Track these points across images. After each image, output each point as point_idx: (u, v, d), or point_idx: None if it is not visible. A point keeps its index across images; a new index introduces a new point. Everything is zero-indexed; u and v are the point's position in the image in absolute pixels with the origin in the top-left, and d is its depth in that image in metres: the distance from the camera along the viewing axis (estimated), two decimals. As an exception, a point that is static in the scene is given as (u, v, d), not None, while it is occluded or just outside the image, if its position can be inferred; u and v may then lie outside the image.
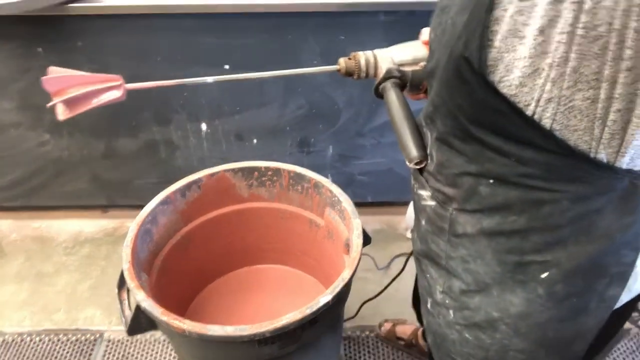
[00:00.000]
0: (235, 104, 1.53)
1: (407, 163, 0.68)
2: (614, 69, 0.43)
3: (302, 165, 1.23)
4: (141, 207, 1.11)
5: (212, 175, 1.21)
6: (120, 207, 1.86)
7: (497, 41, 0.49)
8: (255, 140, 1.62)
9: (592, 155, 0.48)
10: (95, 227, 1.83)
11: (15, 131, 1.57)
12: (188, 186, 1.19)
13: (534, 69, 0.47)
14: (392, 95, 0.74)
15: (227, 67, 1.43)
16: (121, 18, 1.33)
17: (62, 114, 0.73)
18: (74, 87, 0.73)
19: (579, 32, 0.43)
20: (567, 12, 0.43)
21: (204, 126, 1.57)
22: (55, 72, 0.73)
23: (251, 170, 1.24)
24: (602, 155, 0.48)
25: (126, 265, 0.96)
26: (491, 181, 0.56)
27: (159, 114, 1.54)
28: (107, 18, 1.33)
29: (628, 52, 0.42)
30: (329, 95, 1.52)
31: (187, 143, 1.62)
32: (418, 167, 0.67)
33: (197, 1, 1.30)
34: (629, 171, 0.50)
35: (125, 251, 1.00)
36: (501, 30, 0.48)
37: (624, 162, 0.48)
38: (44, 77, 0.71)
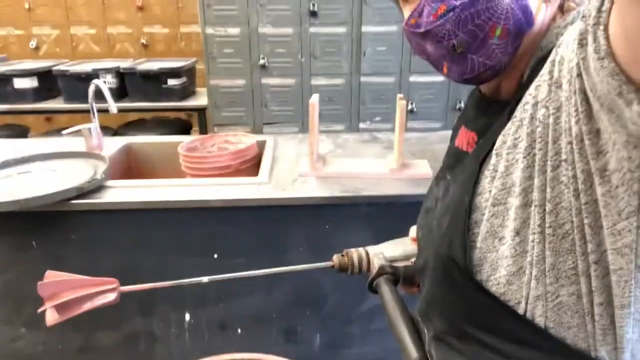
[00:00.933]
0: (220, 292, 1.52)
1: None
2: (585, 263, 0.45)
3: (288, 357, 1.17)
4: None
5: (192, 370, 1.14)
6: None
7: (479, 242, 0.52)
8: (239, 330, 1.57)
9: (592, 354, 0.47)
10: None
11: (-10, 326, 1.51)
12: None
13: (517, 268, 0.49)
14: (387, 291, 0.75)
15: (216, 256, 1.46)
16: (115, 213, 1.40)
17: (52, 319, 0.73)
18: (68, 292, 0.74)
19: (548, 231, 0.46)
20: (534, 214, 0.46)
21: (187, 316, 1.53)
22: (51, 277, 0.75)
23: (234, 363, 1.18)
24: (603, 354, 0.47)
25: None
26: None
27: (143, 304, 1.51)
28: (102, 213, 1.40)
29: (590, 246, 0.44)
30: (315, 281, 1.53)
31: (169, 334, 1.55)
32: None
33: (188, 197, 1.40)
34: None
35: None
36: (481, 231, 0.52)
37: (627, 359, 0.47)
38: (40, 282, 0.72)
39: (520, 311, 0.49)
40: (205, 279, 0.84)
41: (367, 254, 0.83)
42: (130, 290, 0.79)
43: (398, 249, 0.83)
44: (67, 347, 1.54)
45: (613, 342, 0.46)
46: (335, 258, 0.85)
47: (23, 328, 1.51)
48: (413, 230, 0.85)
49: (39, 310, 0.73)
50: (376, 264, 0.81)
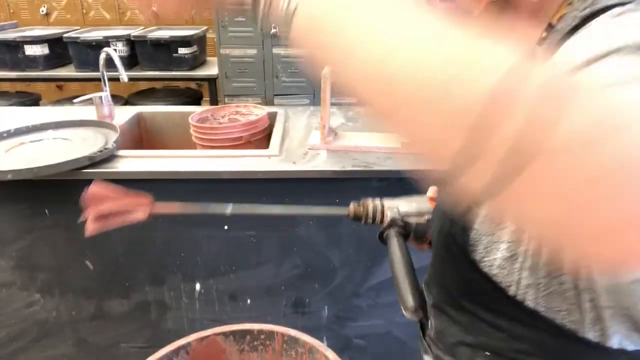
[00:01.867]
0: (231, 263, 1.53)
1: (404, 311, 0.66)
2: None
3: (296, 327, 1.18)
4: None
5: (201, 339, 1.16)
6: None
7: (477, 223, 0.52)
8: (249, 301, 1.59)
9: (580, 334, 0.48)
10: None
11: (6, 291, 1.54)
12: (176, 352, 1.12)
13: (511, 254, 0.49)
14: (395, 243, 0.75)
15: (226, 227, 1.47)
16: (127, 183, 1.40)
17: (90, 229, 0.76)
18: (108, 203, 0.77)
19: None
20: None
21: (197, 286, 1.55)
22: (96, 187, 0.78)
23: (243, 333, 1.19)
24: (590, 335, 0.48)
25: None
26: (487, 354, 0.55)
27: (154, 274, 1.53)
28: (113, 183, 1.40)
29: None
30: (324, 255, 1.53)
31: (179, 304, 1.58)
32: (415, 317, 0.66)
33: (199, 168, 1.40)
34: (622, 351, 0.48)
35: None
36: (480, 214, 0.52)
37: (614, 343, 0.48)
38: (85, 192, 0.76)
39: (511, 293, 0.50)
40: (229, 209, 0.87)
41: (382, 205, 0.84)
42: (161, 213, 0.83)
43: (413, 205, 0.83)
44: (80, 314, 1.58)
45: (601, 330, 0.47)
46: (352, 206, 0.85)
47: (37, 294, 1.54)
48: (432, 189, 0.85)
49: (79, 220, 0.75)
50: (389, 216, 0.81)
